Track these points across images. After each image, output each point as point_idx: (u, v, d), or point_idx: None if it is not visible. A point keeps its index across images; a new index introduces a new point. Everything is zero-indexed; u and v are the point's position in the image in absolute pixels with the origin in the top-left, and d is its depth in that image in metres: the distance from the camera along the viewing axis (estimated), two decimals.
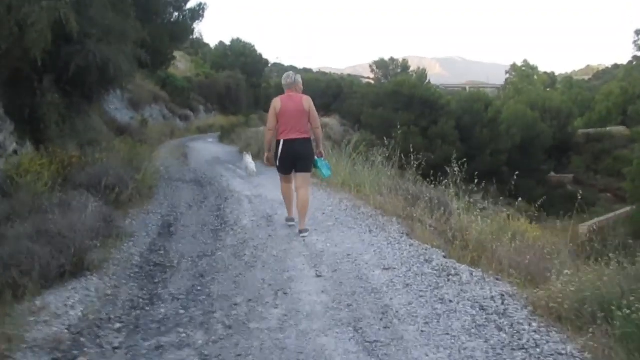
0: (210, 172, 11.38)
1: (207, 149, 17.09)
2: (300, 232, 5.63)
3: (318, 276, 4.30)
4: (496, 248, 4.83)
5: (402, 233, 5.56)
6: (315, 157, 5.96)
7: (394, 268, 4.34)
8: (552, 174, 38.43)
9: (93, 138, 10.41)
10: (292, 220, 6.08)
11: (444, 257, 4.73)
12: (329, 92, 38.48)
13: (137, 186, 7.92)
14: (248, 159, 11.13)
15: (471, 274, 4.10)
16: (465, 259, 4.66)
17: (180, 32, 16.39)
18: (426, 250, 4.89)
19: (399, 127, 30.57)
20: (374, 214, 6.32)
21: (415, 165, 7.95)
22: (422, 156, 8.15)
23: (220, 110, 32.79)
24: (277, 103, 5.74)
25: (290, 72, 6.09)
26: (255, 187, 9.02)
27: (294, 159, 5.71)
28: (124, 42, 8.89)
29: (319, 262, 4.67)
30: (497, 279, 4.07)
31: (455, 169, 6.92)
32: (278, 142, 5.72)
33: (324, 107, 37.91)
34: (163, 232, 6.18)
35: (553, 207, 34.36)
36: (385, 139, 9.09)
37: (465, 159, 6.88)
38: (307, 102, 5.74)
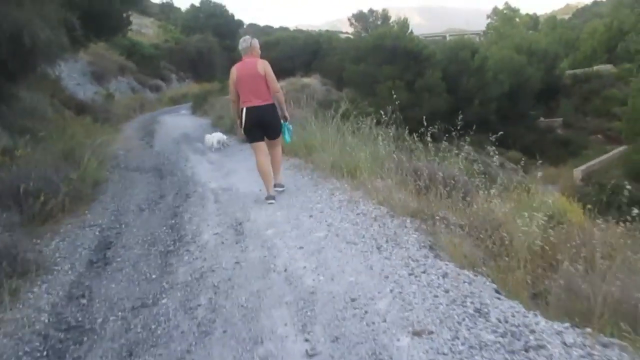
0: (175, 154, 9.54)
1: (177, 124, 15.15)
2: (275, 185, 5.64)
3: (310, 355, 2.61)
4: (570, 269, 3.19)
5: (424, 246, 3.86)
6: (283, 122, 5.74)
7: (431, 331, 2.65)
8: (542, 119, 36.95)
9: (27, 126, 8.50)
10: (273, 198, 5.50)
11: (497, 294, 3.07)
12: (307, 49, 36.11)
13: (74, 188, 6.15)
14: (210, 136, 9.50)
15: (563, 343, 2.42)
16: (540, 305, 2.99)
17: None
18: (469, 281, 3.20)
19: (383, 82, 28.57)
20: (378, 214, 4.60)
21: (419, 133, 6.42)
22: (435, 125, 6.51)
23: (193, 77, 30.44)
24: (233, 71, 5.49)
25: (247, 36, 5.74)
26: (226, 175, 7.24)
27: (260, 126, 5.48)
28: (42, 2, 6.89)
29: (309, 317, 2.97)
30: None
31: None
32: (241, 111, 5.43)
33: (304, 67, 35.60)
34: (95, 260, 4.44)
35: (544, 153, 33.10)
36: (386, 109, 7.26)
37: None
38: (262, 65, 5.41)
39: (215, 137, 9.68)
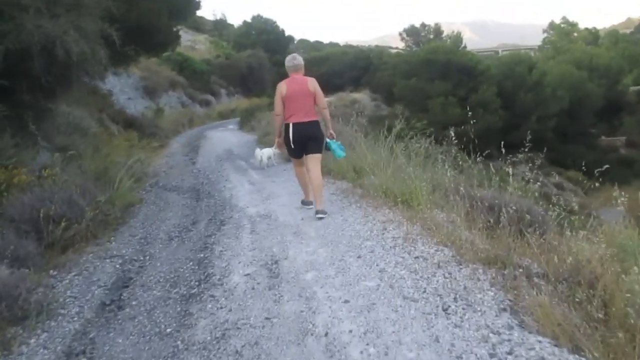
0: (216, 173, 8.95)
1: (223, 140, 14.70)
2: (317, 212, 5.35)
3: None
4: None
5: (504, 308, 2.98)
6: (327, 139, 5.69)
7: None
8: (603, 137, 34.76)
9: (65, 143, 8.12)
10: (311, 203, 5.71)
11: None
12: (357, 65, 35.51)
13: (101, 212, 5.61)
14: (260, 152, 8.84)
15: None
16: None
17: (181, 7, 13.84)
18: None
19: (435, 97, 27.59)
20: (442, 259, 3.75)
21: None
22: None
23: (243, 92, 30.32)
24: (282, 87, 5.53)
25: (295, 54, 5.87)
26: (266, 198, 6.54)
27: (305, 141, 5.50)
28: (79, 14, 6.45)
29: None
30: None
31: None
32: (287, 126, 5.51)
33: (353, 82, 34.99)
34: (108, 303, 3.79)
35: (606, 174, 31.28)
36: (450, 131, 6.40)
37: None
38: (312, 83, 5.53)
39: (266, 153, 9.08)
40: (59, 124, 9.11)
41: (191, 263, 4.44)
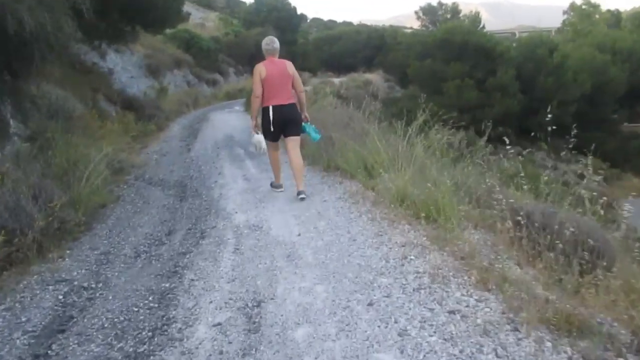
0: (210, 164, 7.82)
1: (225, 123, 13.55)
2: (299, 193, 5.30)
3: None
4: None
5: None
6: (302, 122, 5.61)
7: None
8: (625, 124, 33.09)
9: (41, 129, 7.06)
10: (281, 187, 5.78)
11: None
12: (371, 44, 34.02)
13: (57, 218, 4.55)
14: (258, 137, 7.74)
15: None
16: None
17: None
18: None
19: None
20: (490, 319, 2.61)
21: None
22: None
23: (251, 71, 28.99)
24: (261, 69, 5.34)
25: (273, 37, 5.69)
26: (260, 201, 5.41)
27: (284, 124, 5.43)
28: None
29: None
30: None
31: None
32: (266, 109, 5.39)
33: (366, 62, 33.54)
34: None
35: (628, 162, 29.50)
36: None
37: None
38: (291, 66, 5.48)
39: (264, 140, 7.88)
40: (39, 106, 8.05)
41: (151, 297, 3.35)
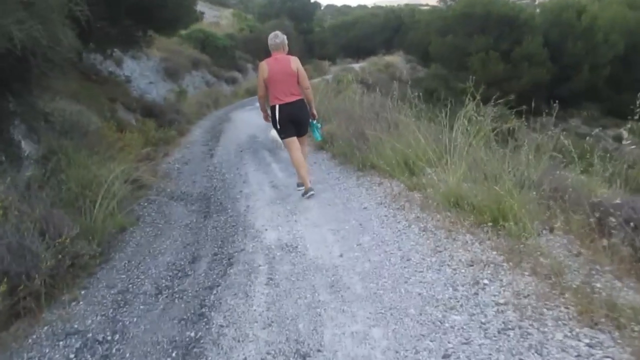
0: (234, 172, 7.22)
1: (247, 122, 12.96)
2: (298, 185, 5.46)
3: None
4: None
5: None
6: (312, 120, 5.45)
7: None
8: None
9: (51, 149, 6.60)
10: (311, 190, 5.13)
11: None
12: (388, 26, 32.88)
13: (67, 254, 4.03)
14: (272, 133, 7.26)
15: None
16: None
17: None
18: None
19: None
20: None
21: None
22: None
23: None
24: (263, 68, 5.27)
25: (278, 32, 5.54)
26: (291, 212, 4.76)
27: (294, 122, 5.23)
28: None
29: None
30: None
31: None
32: (272, 107, 5.24)
33: (385, 44, 32.49)
34: None
35: None
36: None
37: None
38: (295, 62, 5.21)
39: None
40: (53, 124, 7.60)
41: (175, 353, 2.77)
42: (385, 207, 4.33)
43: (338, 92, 9.96)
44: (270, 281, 3.38)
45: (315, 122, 5.46)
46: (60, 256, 3.96)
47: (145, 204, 6.15)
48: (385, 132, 5.79)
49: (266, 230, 4.41)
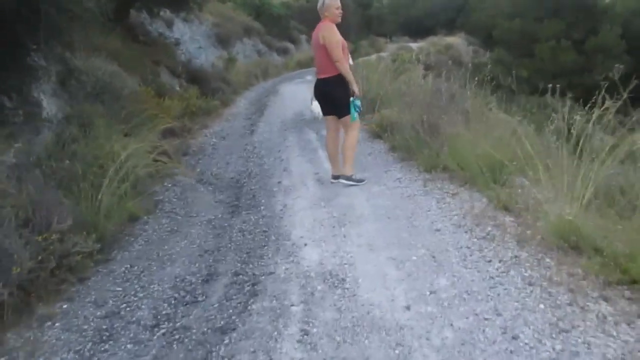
0: (274, 156, 6.15)
1: (295, 96, 11.89)
2: (336, 177, 4.62)
3: None
4: None
5: None
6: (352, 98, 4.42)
7: None
8: None
9: (75, 113, 5.75)
10: (338, 178, 4.58)
11: None
12: (451, 5, 30.81)
13: (51, 255, 3.13)
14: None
15: None
16: None
17: None
18: None
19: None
20: None
21: None
22: None
23: None
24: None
25: None
26: (339, 223, 3.66)
27: (324, 101, 4.65)
28: None
29: None
30: None
31: None
32: None
33: (446, 25, 30.49)
34: None
35: None
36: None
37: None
38: (323, 32, 4.34)
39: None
40: (84, 84, 6.76)
41: None
42: (467, 232, 3.18)
43: (400, 72, 8.71)
44: (305, 337, 2.33)
45: (354, 99, 4.49)
46: (41, 256, 3.05)
47: (170, 185, 5.22)
48: (462, 125, 4.60)
49: (305, 245, 3.35)
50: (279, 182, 4.93)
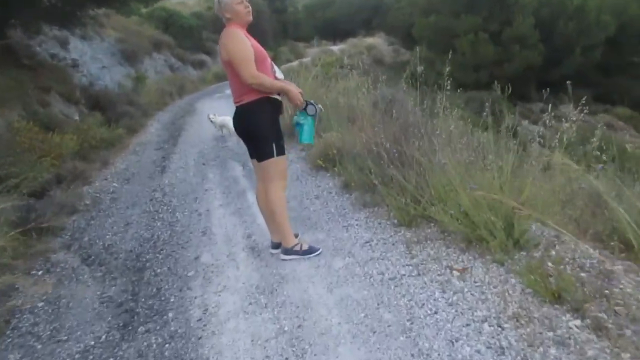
0: (190, 207, 4.60)
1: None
2: (273, 247, 3.24)
3: None
4: None
5: None
6: (298, 112, 3.14)
7: None
8: None
9: None
10: (278, 247, 3.18)
11: None
12: (367, 5, 30.16)
13: None
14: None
15: None
16: None
17: None
18: None
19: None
20: None
21: None
22: None
23: None
24: None
25: None
26: (298, 351, 2.26)
27: (244, 138, 3.13)
28: None
29: None
30: None
31: None
32: None
33: (364, 25, 29.80)
34: None
35: None
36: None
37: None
38: (225, 40, 2.91)
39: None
40: None
41: None
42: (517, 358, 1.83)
43: (333, 81, 7.37)
44: None
45: (300, 113, 3.16)
46: None
47: (40, 272, 3.53)
48: (441, 149, 3.29)
49: None
50: (197, 259, 3.38)
